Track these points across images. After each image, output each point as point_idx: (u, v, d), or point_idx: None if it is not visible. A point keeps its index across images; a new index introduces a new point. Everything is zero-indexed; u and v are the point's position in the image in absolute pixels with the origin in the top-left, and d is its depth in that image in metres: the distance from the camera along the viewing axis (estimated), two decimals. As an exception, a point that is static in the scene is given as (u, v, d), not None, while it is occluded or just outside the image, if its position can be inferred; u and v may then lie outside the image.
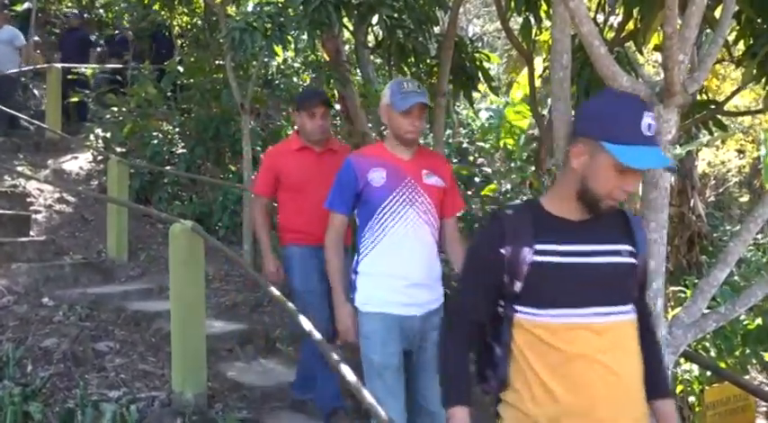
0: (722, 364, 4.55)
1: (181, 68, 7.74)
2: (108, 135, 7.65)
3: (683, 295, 5.53)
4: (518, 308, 1.66)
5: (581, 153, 1.63)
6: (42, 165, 7.51)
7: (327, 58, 5.77)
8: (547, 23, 4.47)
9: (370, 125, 5.64)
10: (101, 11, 11.20)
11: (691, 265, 7.52)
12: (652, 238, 2.01)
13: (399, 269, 2.52)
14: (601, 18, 4.22)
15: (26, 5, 10.51)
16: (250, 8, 6.82)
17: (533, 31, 4.32)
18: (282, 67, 8.10)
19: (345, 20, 4.50)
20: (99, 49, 9.98)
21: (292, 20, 4.88)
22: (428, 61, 4.60)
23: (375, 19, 4.29)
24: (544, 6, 4.04)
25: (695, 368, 4.54)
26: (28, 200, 6.47)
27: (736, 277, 6.41)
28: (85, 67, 8.90)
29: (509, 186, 6.87)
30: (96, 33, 10.65)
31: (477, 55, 4.68)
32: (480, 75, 4.65)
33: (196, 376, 3.52)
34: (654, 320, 1.93)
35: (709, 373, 4.33)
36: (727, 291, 4.89)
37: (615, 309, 1.65)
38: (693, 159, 8.05)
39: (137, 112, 7.56)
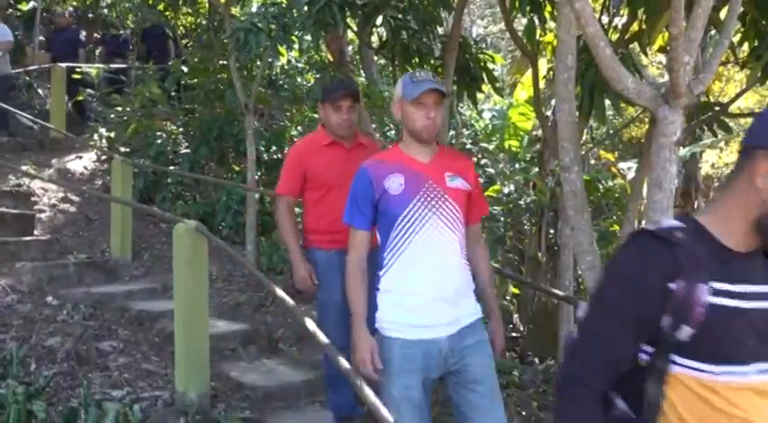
0: None
1: (185, 68, 7.75)
2: (112, 135, 7.66)
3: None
4: (679, 360, 1.31)
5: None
6: (46, 164, 7.53)
7: (331, 59, 5.79)
8: (551, 24, 4.47)
9: (373, 126, 5.65)
10: (104, 11, 11.22)
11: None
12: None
13: (422, 284, 2.28)
14: (605, 19, 4.21)
15: (31, 5, 10.52)
16: (254, 8, 6.86)
17: (537, 32, 4.33)
18: (286, 67, 8.09)
19: (350, 20, 4.52)
20: (99, 49, 9.98)
21: (296, 20, 4.91)
22: (432, 62, 4.60)
23: (379, 19, 4.31)
24: (549, 7, 4.05)
25: None
26: (32, 199, 6.48)
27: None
28: (88, 67, 8.91)
29: (512, 187, 6.85)
30: (100, 33, 10.67)
31: (481, 56, 4.69)
32: (484, 76, 4.66)
33: (199, 376, 3.52)
34: None
35: None
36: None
37: None
38: (697, 161, 8.04)
39: (141, 111, 7.56)
